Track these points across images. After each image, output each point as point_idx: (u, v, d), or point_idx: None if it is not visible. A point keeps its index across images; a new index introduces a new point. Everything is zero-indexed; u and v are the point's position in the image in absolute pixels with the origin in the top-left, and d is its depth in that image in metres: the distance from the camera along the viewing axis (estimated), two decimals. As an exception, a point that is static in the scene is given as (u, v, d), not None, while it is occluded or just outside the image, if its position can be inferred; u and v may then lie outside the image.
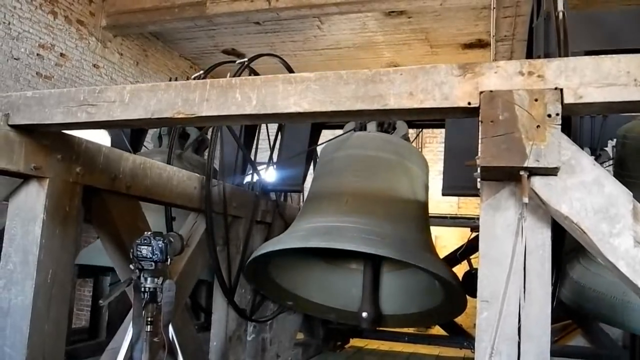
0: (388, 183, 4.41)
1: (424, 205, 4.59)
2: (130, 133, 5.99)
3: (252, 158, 5.18)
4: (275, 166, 5.51)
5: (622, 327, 4.47)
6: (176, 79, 5.92)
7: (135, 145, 5.99)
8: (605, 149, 4.75)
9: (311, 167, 5.72)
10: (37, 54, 8.32)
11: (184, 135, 5.78)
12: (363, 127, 4.85)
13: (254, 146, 5.26)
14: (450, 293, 4.14)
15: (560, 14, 2.69)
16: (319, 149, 5.36)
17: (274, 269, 4.58)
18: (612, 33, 3.68)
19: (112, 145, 4.32)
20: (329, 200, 4.36)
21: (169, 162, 4.45)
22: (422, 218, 4.48)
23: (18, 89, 7.67)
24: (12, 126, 2.71)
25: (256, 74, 4.85)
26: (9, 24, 7.81)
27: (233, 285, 4.57)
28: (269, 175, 5.54)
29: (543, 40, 3.04)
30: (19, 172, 2.81)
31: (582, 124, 4.14)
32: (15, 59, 7.91)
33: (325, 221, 4.07)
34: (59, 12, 8.76)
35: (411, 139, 5.45)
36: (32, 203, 2.94)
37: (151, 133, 6.28)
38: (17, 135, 2.75)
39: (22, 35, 8.03)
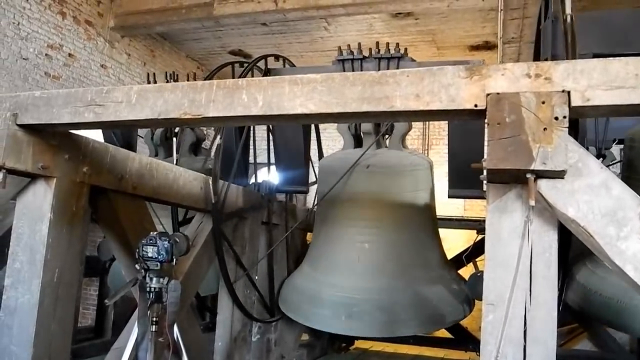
0: (398, 229, 4.46)
1: (436, 234, 4.69)
2: (122, 134, 5.97)
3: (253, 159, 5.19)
4: (275, 167, 5.51)
5: (629, 332, 4.44)
6: (173, 73, 5.94)
7: (128, 147, 5.96)
8: (611, 150, 4.73)
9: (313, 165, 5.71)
10: (46, 54, 8.36)
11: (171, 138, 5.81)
12: (358, 126, 4.82)
13: (253, 147, 5.26)
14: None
15: (568, 17, 2.68)
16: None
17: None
18: (620, 35, 3.66)
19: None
20: (340, 253, 4.48)
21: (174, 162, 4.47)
22: (435, 247, 4.55)
23: (27, 89, 7.72)
24: (20, 126, 2.73)
25: (269, 72, 4.86)
26: (18, 24, 7.86)
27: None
28: (272, 176, 5.54)
29: (551, 42, 3.03)
30: (26, 172, 2.82)
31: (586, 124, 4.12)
32: (24, 59, 7.95)
33: (340, 289, 4.25)
34: (68, 12, 8.80)
35: (416, 136, 5.42)
36: (39, 202, 2.96)
37: (143, 134, 6.27)
38: (25, 135, 2.76)
39: (31, 35, 8.08)
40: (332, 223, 4.63)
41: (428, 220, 4.65)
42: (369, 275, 4.24)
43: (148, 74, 6.43)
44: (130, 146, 5.99)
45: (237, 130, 4.91)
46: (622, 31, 3.67)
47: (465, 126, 4.43)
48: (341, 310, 4.15)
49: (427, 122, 11.82)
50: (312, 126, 6.00)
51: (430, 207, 4.70)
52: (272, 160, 5.62)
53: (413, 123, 5.22)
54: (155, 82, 5.78)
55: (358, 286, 4.18)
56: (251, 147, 5.38)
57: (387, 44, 4.62)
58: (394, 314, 4.01)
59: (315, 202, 5.01)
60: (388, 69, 4.27)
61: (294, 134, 5.31)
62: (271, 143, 5.61)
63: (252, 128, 5.25)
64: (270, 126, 5.37)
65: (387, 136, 4.89)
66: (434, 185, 4.82)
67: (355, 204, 4.51)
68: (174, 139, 5.66)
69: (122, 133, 5.97)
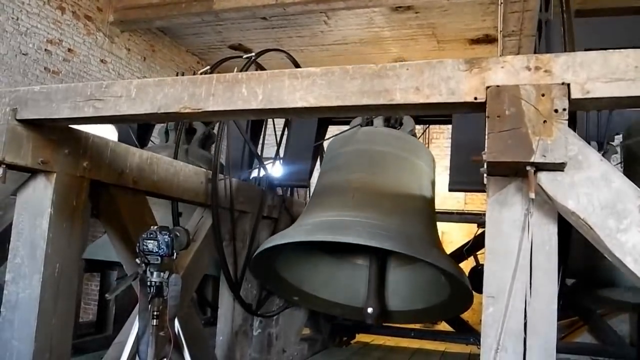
0: (395, 178, 4.40)
1: (431, 201, 4.58)
2: (137, 128, 6.01)
3: (259, 153, 5.19)
4: (281, 161, 5.51)
5: None
6: (182, 74, 5.95)
7: (143, 140, 6.01)
8: (612, 143, 4.72)
9: (318, 162, 5.71)
10: (45, 49, 8.35)
11: (191, 130, 5.79)
12: (370, 123, 4.84)
13: (261, 141, 5.26)
14: (457, 288, 4.13)
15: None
16: (325, 144, 5.35)
17: (279, 264, 4.58)
18: (618, 39, 3.65)
19: (119, 141, 4.32)
20: (336, 195, 4.35)
21: (175, 157, 4.46)
22: (428, 214, 4.47)
23: (26, 84, 7.71)
24: (20, 121, 2.73)
25: (263, 69, 4.85)
26: (18, 19, 7.84)
27: (239, 280, 4.58)
28: (276, 170, 5.54)
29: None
30: (26, 167, 2.83)
31: (588, 117, 4.12)
32: (23, 54, 7.94)
33: (332, 216, 4.05)
34: (67, 7, 8.78)
35: (418, 135, 5.42)
36: (39, 197, 2.96)
37: (158, 128, 6.30)
38: (24, 130, 2.77)
39: (30, 30, 8.06)
40: (330, 175, 4.61)
41: (426, 188, 4.60)
42: (362, 208, 4.01)
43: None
44: (145, 140, 6.04)
45: (250, 123, 4.93)
46: (619, 35, 3.67)
47: (470, 118, 4.43)
48: (327, 225, 3.91)
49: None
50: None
51: (429, 188, 4.67)
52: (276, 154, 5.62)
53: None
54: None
55: (351, 214, 3.95)
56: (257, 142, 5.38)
57: None
58: (384, 230, 3.78)
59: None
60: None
61: (308, 129, 5.33)
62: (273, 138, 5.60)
63: (266, 122, 5.27)
64: (289, 120, 5.39)
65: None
66: (435, 177, 4.82)
67: (356, 152, 4.52)
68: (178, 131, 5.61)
69: (139, 128, 5.98)
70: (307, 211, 4.55)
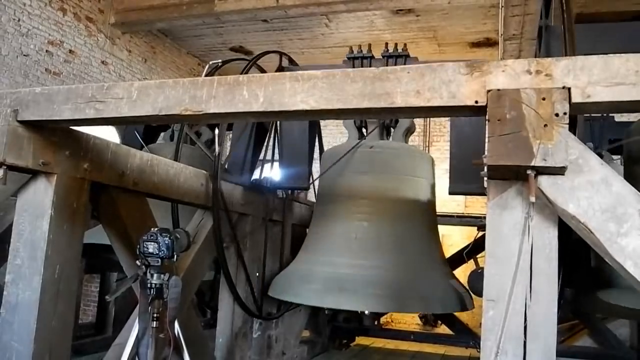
0: (396, 213, 4.43)
1: (434, 226, 4.68)
2: (144, 130, 5.98)
3: (262, 156, 5.18)
4: (279, 163, 5.50)
5: None
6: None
7: (149, 143, 5.99)
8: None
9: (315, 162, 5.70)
10: (46, 51, 8.36)
11: (197, 133, 5.78)
12: (364, 124, 4.84)
13: (265, 144, 5.25)
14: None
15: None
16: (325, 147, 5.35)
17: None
18: (620, 41, 3.66)
19: (123, 143, 4.32)
20: (338, 233, 4.42)
21: (176, 159, 4.47)
22: (432, 243, 4.56)
23: (27, 85, 7.72)
24: (21, 122, 2.73)
25: (263, 71, 4.85)
26: (19, 20, 7.86)
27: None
28: (274, 172, 5.53)
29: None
30: (27, 168, 2.83)
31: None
32: (24, 55, 7.95)
33: (337, 264, 4.18)
34: (68, 9, 8.80)
35: (415, 135, 5.43)
36: (40, 199, 2.96)
37: (162, 133, 6.27)
38: (25, 131, 2.77)
39: (31, 31, 8.07)
40: (333, 204, 4.60)
41: (428, 210, 4.60)
42: (365, 252, 4.16)
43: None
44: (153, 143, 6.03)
45: (253, 126, 4.94)
46: (620, 40, 3.68)
47: (468, 121, 4.44)
48: (333, 285, 4.04)
49: (428, 119, 11.83)
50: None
51: (430, 197, 4.68)
52: (272, 157, 5.61)
53: (414, 120, 5.22)
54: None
55: (353, 263, 4.10)
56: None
57: (396, 44, 4.79)
58: (387, 290, 3.90)
59: (315, 187, 5.00)
60: (396, 66, 4.34)
61: (300, 131, 5.32)
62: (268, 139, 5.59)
63: (271, 125, 5.28)
64: (278, 123, 5.38)
65: (391, 131, 4.92)
66: (435, 182, 4.82)
67: (356, 182, 4.50)
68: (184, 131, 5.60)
69: (145, 130, 5.97)
70: (310, 245, 4.62)
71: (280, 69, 4.97)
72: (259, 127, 5.13)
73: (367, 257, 4.15)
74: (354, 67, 4.65)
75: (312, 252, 4.55)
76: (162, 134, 6.21)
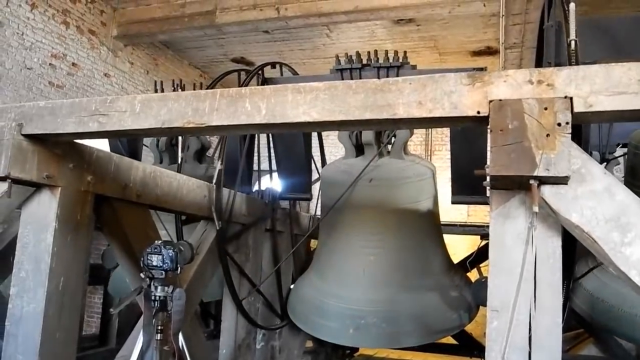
0: (401, 242, 4.47)
1: (440, 241, 4.71)
2: (128, 142, 5.99)
3: (256, 167, 5.19)
4: (277, 174, 5.50)
5: (631, 340, 4.43)
6: (181, 83, 5.94)
7: (133, 155, 5.98)
8: (614, 154, 4.70)
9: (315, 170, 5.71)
10: (50, 64, 8.40)
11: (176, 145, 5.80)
12: (359, 134, 4.78)
13: (256, 154, 5.25)
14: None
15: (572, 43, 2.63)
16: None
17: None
18: (623, 41, 3.65)
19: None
20: (346, 266, 4.48)
21: (178, 171, 4.48)
22: (438, 252, 4.57)
23: (31, 98, 7.75)
24: (25, 136, 2.75)
25: (267, 82, 4.86)
26: (23, 34, 7.90)
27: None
28: (275, 183, 5.54)
29: (553, 48, 3.02)
30: (31, 181, 2.84)
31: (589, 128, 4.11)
32: (28, 68, 7.99)
33: (347, 299, 4.29)
34: (71, 22, 8.85)
35: (417, 144, 5.43)
36: (44, 211, 2.97)
37: (148, 142, 6.27)
38: (30, 145, 2.78)
39: (35, 45, 8.12)
40: (337, 235, 4.63)
41: (432, 229, 4.65)
42: (374, 287, 4.27)
43: (155, 82, 6.41)
44: (136, 154, 6.03)
45: (241, 137, 4.91)
46: (625, 38, 3.67)
47: (468, 132, 4.43)
48: (348, 323, 4.19)
49: (430, 128, 11.83)
50: (315, 133, 6.00)
51: (434, 215, 4.70)
52: (273, 167, 5.62)
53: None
54: (162, 90, 5.77)
55: (364, 298, 4.22)
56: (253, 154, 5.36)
57: (386, 51, 4.59)
58: (399, 325, 4.04)
59: (319, 214, 5.02)
60: (388, 77, 4.26)
61: (293, 141, 5.28)
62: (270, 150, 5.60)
63: (256, 135, 5.24)
64: (271, 134, 5.35)
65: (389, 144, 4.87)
66: (437, 192, 4.81)
67: (359, 216, 4.50)
68: (179, 145, 5.63)
69: (128, 141, 5.99)
70: (321, 274, 4.67)
71: (264, 81, 4.92)
72: (251, 137, 5.09)
73: (376, 293, 4.25)
74: (342, 78, 4.47)
75: (323, 279, 4.64)
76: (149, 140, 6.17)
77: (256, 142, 5.27)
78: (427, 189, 4.66)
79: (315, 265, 4.84)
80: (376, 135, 4.65)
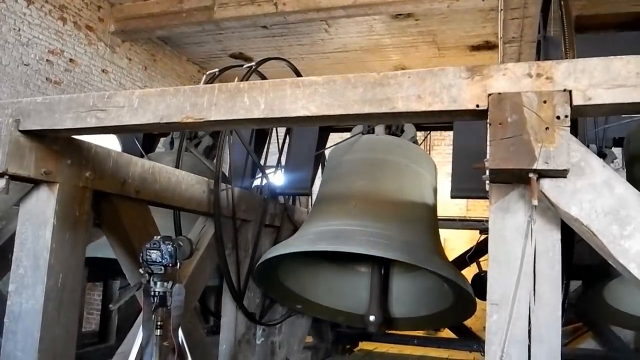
0: (396, 187, 4.40)
1: (433, 208, 4.58)
2: (143, 137, 6.01)
3: (262, 162, 5.19)
4: (283, 170, 5.51)
5: None
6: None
7: (148, 149, 6.01)
8: (612, 149, 4.71)
9: (319, 170, 5.72)
10: (47, 60, 8.39)
11: (196, 137, 5.78)
12: (371, 130, 4.85)
13: (264, 150, 5.26)
14: (459, 295, 4.13)
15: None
16: (327, 152, 5.36)
17: (282, 273, 4.58)
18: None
19: (123, 151, 4.31)
20: (337, 204, 4.36)
21: (177, 165, 4.47)
22: (430, 221, 4.47)
23: (28, 94, 7.74)
24: (23, 132, 2.74)
25: (264, 77, 4.86)
26: (19, 30, 7.89)
27: (242, 288, 4.57)
28: (278, 178, 5.54)
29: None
30: (29, 177, 2.83)
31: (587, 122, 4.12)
32: (25, 64, 7.98)
33: (334, 225, 4.07)
34: (68, 18, 8.83)
35: (419, 142, 5.43)
36: (42, 208, 2.96)
37: (163, 139, 6.30)
38: (27, 141, 2.77)
39: (32, 41, 8.10)
40: (330, 187, 4.60)
41: (427, 195, 4.60)
42: (364, 217, 4.04)
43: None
44: (152, 151, 6.05)
45: (254, 133, 4.94)
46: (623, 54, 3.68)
47: (471, 125, 4.43)
48: (328, 235, 3.95)
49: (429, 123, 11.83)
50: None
51: (430, 185, 4.67)
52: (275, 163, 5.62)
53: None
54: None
55: (353, 223, 4.00)
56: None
57: None
58: (387, 239, 3.80)
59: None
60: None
61: (309, 137, 5.34)
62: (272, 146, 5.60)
63: (270, 131, 5.28)
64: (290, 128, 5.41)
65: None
66: (437, 183, 4.82)
67: (356, 168, 4.51)
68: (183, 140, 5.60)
69: (143, 142, 5.99)
70: (309, 220, 4.56)
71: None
72: (259, 132, 5.14)
73: (365, 220, 4.02)
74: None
75: (306, 225, 4.47)
76: (162, 140, 6.22)
77: (269, 138, 5.28)
78: (427, 165, 4.75)
79: (304, 223, 4.74)
80: (386, 128, 4.85)
